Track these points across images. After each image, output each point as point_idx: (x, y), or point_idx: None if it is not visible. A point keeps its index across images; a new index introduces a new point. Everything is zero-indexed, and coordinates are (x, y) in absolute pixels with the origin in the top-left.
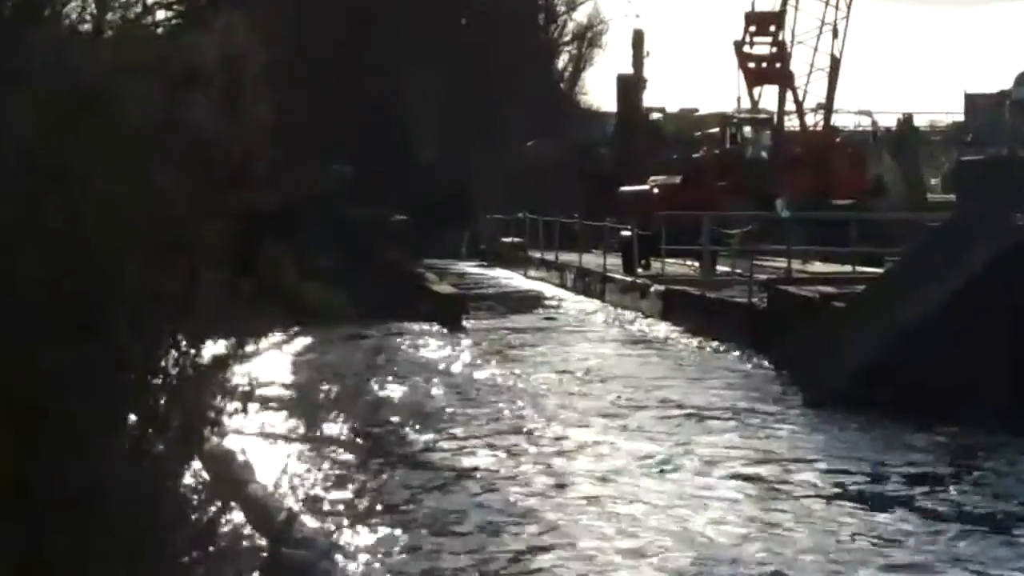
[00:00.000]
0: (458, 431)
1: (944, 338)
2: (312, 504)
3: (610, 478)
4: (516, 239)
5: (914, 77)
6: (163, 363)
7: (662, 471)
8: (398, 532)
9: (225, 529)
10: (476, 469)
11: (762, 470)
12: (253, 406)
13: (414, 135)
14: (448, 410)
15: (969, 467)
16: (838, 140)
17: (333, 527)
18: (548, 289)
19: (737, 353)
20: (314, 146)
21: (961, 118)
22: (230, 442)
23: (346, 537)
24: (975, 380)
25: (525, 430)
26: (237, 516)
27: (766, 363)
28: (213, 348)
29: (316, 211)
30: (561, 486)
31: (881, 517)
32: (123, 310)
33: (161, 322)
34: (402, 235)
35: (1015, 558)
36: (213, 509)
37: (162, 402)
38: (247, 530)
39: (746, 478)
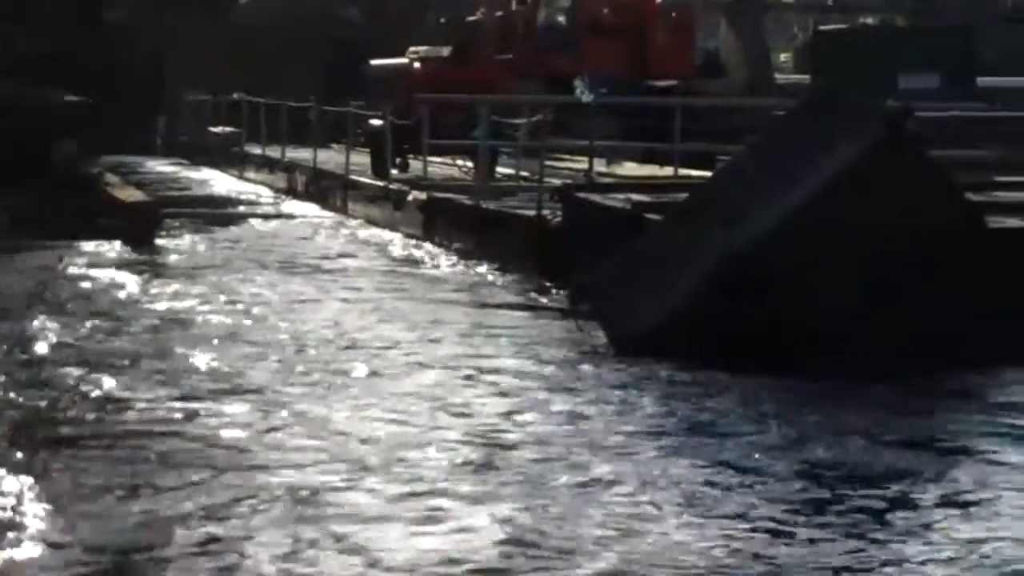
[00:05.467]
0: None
1: (790, 264)
2: None
3: None
4: (229, 129)
5: None
6: None
7: None
8: None
9: None
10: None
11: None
12: None
13: None
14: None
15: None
16: (658, 1)
17: None
18: (271, 196)
19: (520, 283)
20: None
21: None
22: None
23: None
24: (828, 318)
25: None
26: None
27: (558, 295)
28: None
29: None
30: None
31: None
32: None
33: None
34: (74, 122)
35: None
36: None
37: None
38: None
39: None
